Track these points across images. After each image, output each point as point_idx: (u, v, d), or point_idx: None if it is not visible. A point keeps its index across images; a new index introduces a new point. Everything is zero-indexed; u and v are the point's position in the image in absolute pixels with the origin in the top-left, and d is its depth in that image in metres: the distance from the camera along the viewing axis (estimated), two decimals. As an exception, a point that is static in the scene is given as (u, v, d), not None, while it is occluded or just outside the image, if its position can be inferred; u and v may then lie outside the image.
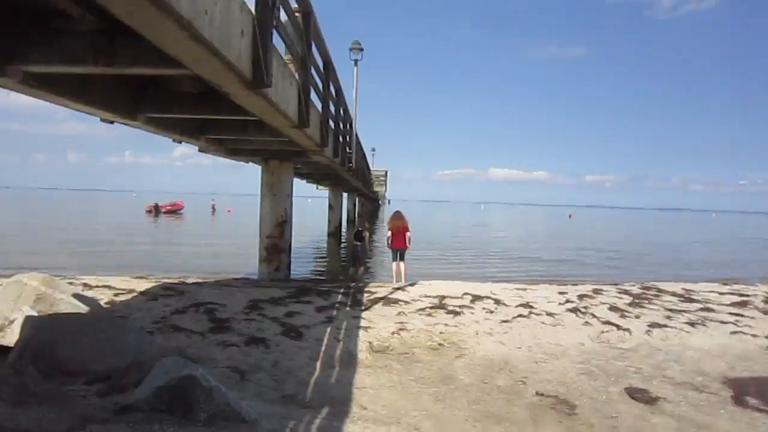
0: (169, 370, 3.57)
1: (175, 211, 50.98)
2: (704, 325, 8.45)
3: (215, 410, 3.46)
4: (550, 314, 8.60)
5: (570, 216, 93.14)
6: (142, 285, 9.76)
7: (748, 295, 11.32)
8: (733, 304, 10.23)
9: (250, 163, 13.68)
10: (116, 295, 8.76)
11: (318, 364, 5.81)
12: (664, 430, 4.55)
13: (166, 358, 3.96)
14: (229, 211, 58.76)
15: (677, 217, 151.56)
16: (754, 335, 8.01)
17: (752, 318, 9.13)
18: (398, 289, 10.37)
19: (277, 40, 6.39)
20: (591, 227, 60.81)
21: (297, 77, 7.94)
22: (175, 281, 10.62)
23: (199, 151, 11.64)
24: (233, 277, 12.25)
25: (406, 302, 9.05)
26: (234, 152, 12.31)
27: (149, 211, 48.04)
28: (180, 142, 10.25)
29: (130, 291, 9.07)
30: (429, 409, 4.71)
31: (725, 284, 13.27)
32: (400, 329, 7.28)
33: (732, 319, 8.93)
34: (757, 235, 51.69)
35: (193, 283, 10.35)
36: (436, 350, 6.64)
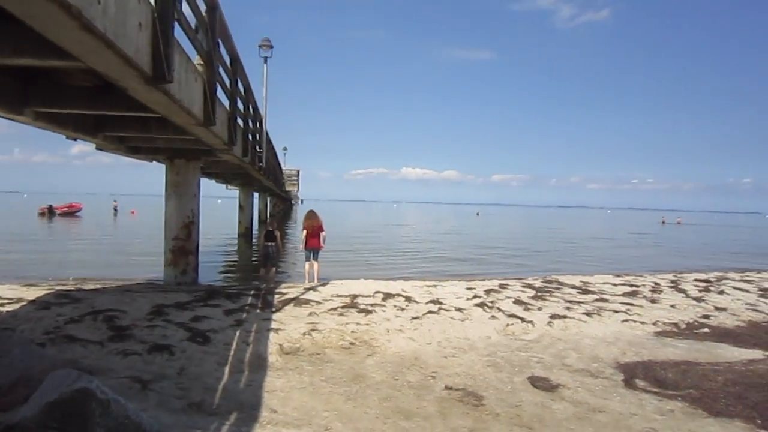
0: (61, 384, 3.32)
1: (72, 212, 47.71)
2: (599, 314, 9.03)
3: (114, 424, 3.27)
4: (459, 309, 8.85)
5: (478, 214, 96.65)
6: (33, 293, 9.06)
7: (637, 286, 12.22)
8: (625, 294, 11.01)
9: (155, 162, 13.08)
10: (1, 305, 8.08)
11: (226, 369, 5.64)
12: (564, 415, 4.80)
13: (57, 371, 3.69)
14: (132, 212, 55.87)
15: (577, 213, 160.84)
16: (642, 322, 8.66)
17: (641, 306, 9.86)
18: (310, 289, 10.29)
19: (181, 35, 6.17)
20: (498, 224, 63.28)
21: (202, 73, 7.68)
22: (71, 288, 9.94)
23: (97, 149, 10.97)
24: (136, 282, 11.66)
25: (318, 302, 8.99)
26: (135, 151, 11.71)
27: (42, 214, 44.67)
28: (75, 140, 9.61)
29: (18, 300, 8.39)
30: (340, 409, 4.70)
31: (618, 276, 14.25)
32: (312, 330, 7.22)
33: (624, 308, 9.61)
34: (645, 230, 55.83)
35: (91, 290, 9.73)
36: (347, 349, 6.65)
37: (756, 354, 7.01)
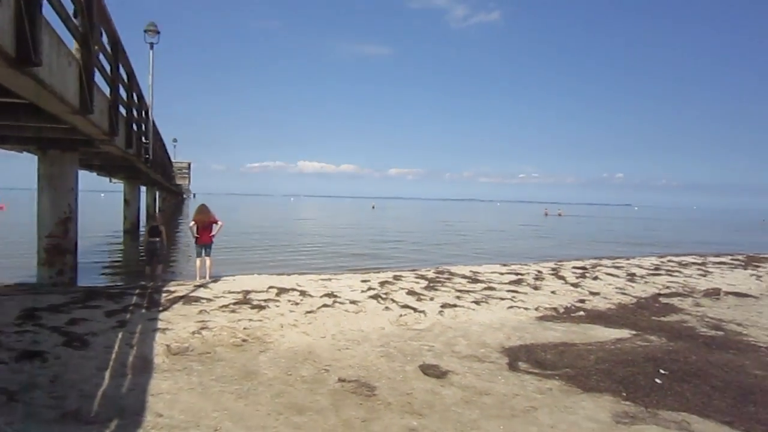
0: None
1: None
2: (487, 302, 9.47)
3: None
4: (353, 302, 8.92)
5: (373, 207, 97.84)
6: None
7: (522, 274, 12.94)
8: (511, 283, 11.63)
9: (26, 153, 12.00)
10: None
11: (107, 374, 5.30)
12: (452, 400, 4.99)
13: None
14: (0, 207, 50.93)
15: (469, 206, 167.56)
16: (526, 308, 9.19)
17: (525, 294, 10.46)
18: (201, 286, 9.93)
19: (54, 17, 5.71)
20: (393, 217, 64.42)
21: (78, 57, 7.13)
22: (-76, 293, 8.91)
23: (-46, 138, 9.90)
24: (3, 284, 10.65)
25: (209, 299, 8.69)
26: (3, 140, 10.68)
27: None
28: (-74, 127, 8.60)
29: None
30: (230, 408, 4.58)
31: (505, 266, 15.01)
32: (202, 328, 6.97)
33: (509, 295, 10.14)
34: (531, 222, 59.24)
35: (-51, 294, 8.78)
36: (239, 347, 6.49)
37: (624, 333, 7.67)
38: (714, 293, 11.57)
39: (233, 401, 4.76)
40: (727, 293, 11.68)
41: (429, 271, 13.27)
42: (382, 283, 10.76)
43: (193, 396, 4.83)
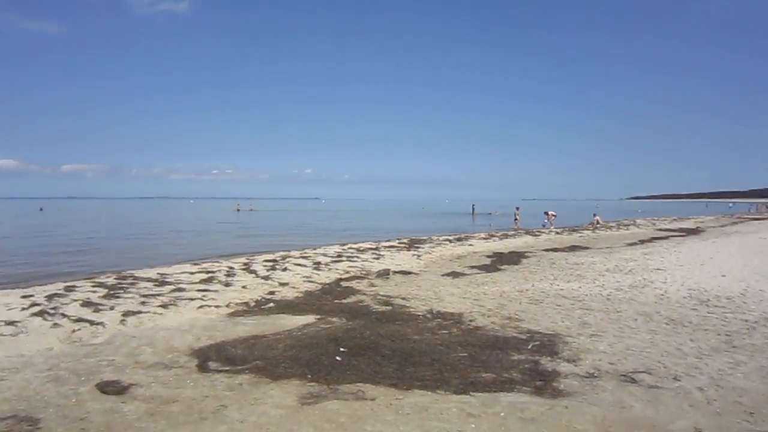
0: None
1: None
2: (176, 304, 9.03)
3: None
4: (10, 323, 7.54)
5: (41, 209, 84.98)
6: None
7: (214, 272, 12.73)
8: (202, 282, 11.33)
9: None
10: None
11: None
12: (135, 416, 4.60)
13: None
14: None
15: (160, 204, 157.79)
16: (217, 306, 9.05)
17: (216, 291, 10.31)
18: None
19: None
20: (67, 219, 56.79)
21: None
22: None
23: None
24: None
25: None
26: None
27: None
28: None
29: None
30: None
31: (196, 264, 14.57)
32: None
33: (200, 295, 9.86)
34: (224, 218, 58.88)
35: None
36: None
37: (309, 318, 8.16)
38: (385, 273, 13.21)
39: None
40: (395, 272, 13.45)
41: (110, 277, 12.04)
42: (51, 297, 9.35)
43: None
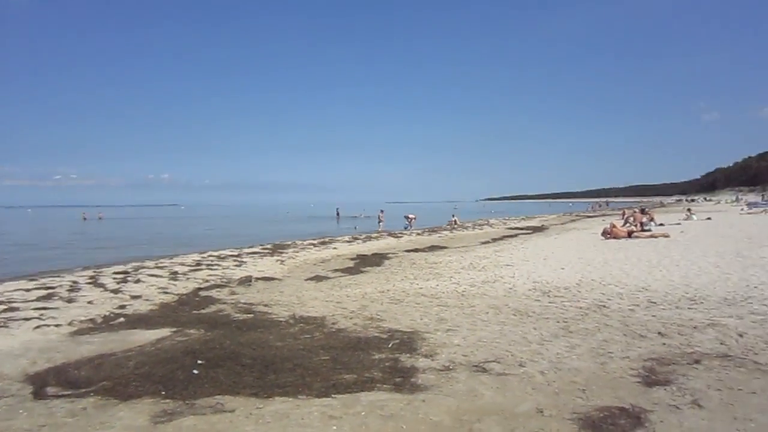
0: None
1: None
2: (7, 326, 8.07)
3: None
4: None
5: None
6: None
7: (54, 287, 11.57)
8: (39, 299, 10.25)
9: None
10: None
11: None
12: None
13: None
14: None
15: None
16: (57, 325, 8.24)
17: (57, 309, 9.38)
18: None
19: None
20: None
21: None
22: None
23: None
24: None
25: None
26: None
27: None
28: None
29: None
30: None
31: (33, 280, 13.13)
32: None
33: (37, 314, 8.91)
34: (66, 228, 53.88)
35: None
36: None
37: (164, 332, 7.71)
38: (247, 280, 12.87)
39: None
40: (258, 279, 13.17)
41: None
42: None
43: None
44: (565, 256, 15.64)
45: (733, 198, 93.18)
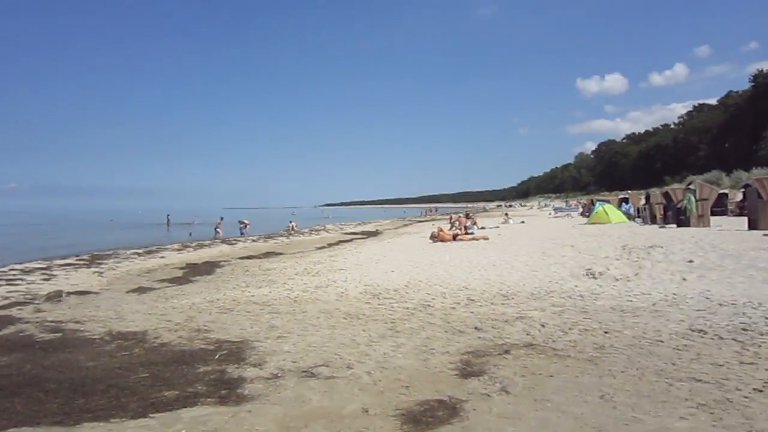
0: None
1: None
2: None
3: None
4: None
5: None
6: None
7: None
8: None
9: None
10: None
11: None
12: None
13: None
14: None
15: None
16: None
17: None
18: None
19: None
20: None
21: None
22: None
23: None
24: None
25: None
26: None
27: None
28: None
29: None
30: None
31: None
32: None
33: None
34: None
35: None
36: None
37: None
38: (56, 296, 11.59)
39: None
40: (70, 293, 11.92)
41: None
42: None
43: None
44: (395, 259, 16.32)
45: (543, 204, 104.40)
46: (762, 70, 79.96)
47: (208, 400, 5.08)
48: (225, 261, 18.93)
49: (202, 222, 58.73)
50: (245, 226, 38.68)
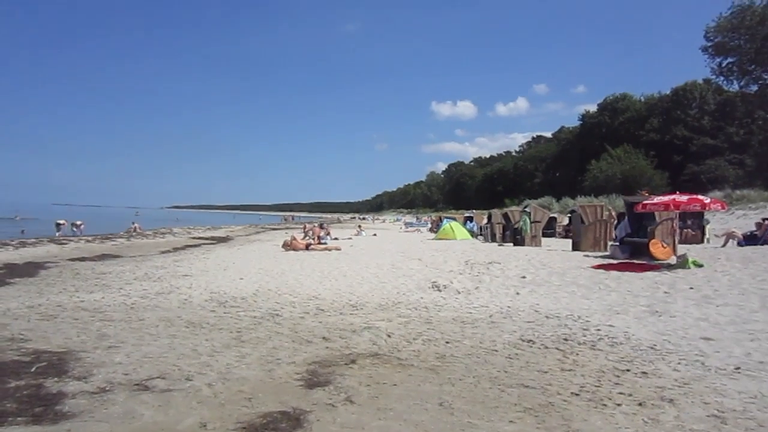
0: None
1: None
2: None
3: None
4: None
5: None
6: None
7: None
8: None
9: None
10: None
11: None
12: None
13: None
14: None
15: None
16: None
17: None
18: None
19: None
20: None
21: None
22: None
23: None
24: None
25: None
26: None
27: None
28: None
29: None
30: None
31: None
32: None
33: None
34: None
35: None
36: None
37: None
38: None
39: None
40: None
41: None
42: None
43: None
44: (245, 266, 15.84)
45: (395, 218, 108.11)
46: (588, 111, 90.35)
47: (19, 419, 4.48)
48: (52, 262, 17.02)
49: (25, 217, 52.51)
50: (81, 227, 35.33)
